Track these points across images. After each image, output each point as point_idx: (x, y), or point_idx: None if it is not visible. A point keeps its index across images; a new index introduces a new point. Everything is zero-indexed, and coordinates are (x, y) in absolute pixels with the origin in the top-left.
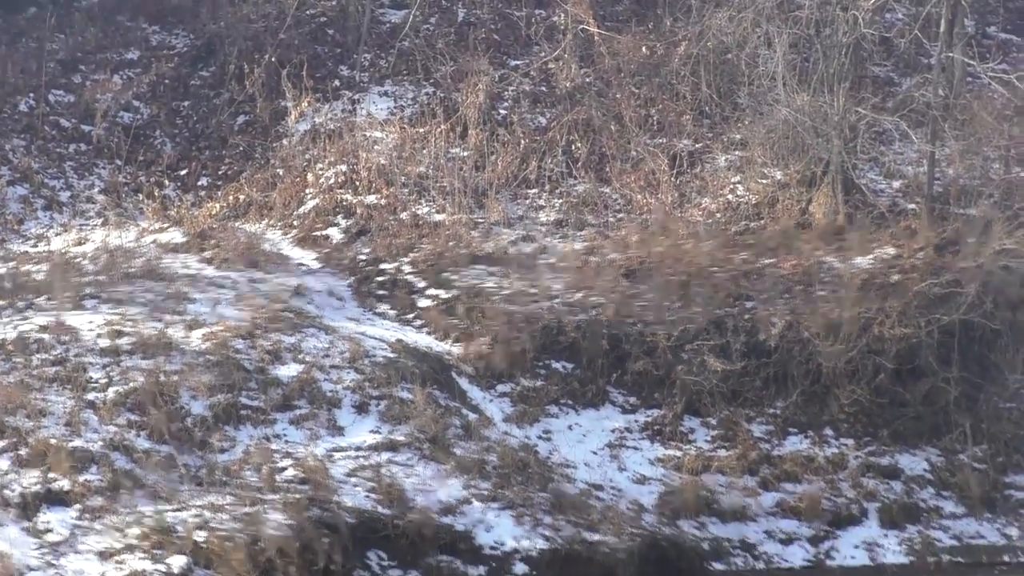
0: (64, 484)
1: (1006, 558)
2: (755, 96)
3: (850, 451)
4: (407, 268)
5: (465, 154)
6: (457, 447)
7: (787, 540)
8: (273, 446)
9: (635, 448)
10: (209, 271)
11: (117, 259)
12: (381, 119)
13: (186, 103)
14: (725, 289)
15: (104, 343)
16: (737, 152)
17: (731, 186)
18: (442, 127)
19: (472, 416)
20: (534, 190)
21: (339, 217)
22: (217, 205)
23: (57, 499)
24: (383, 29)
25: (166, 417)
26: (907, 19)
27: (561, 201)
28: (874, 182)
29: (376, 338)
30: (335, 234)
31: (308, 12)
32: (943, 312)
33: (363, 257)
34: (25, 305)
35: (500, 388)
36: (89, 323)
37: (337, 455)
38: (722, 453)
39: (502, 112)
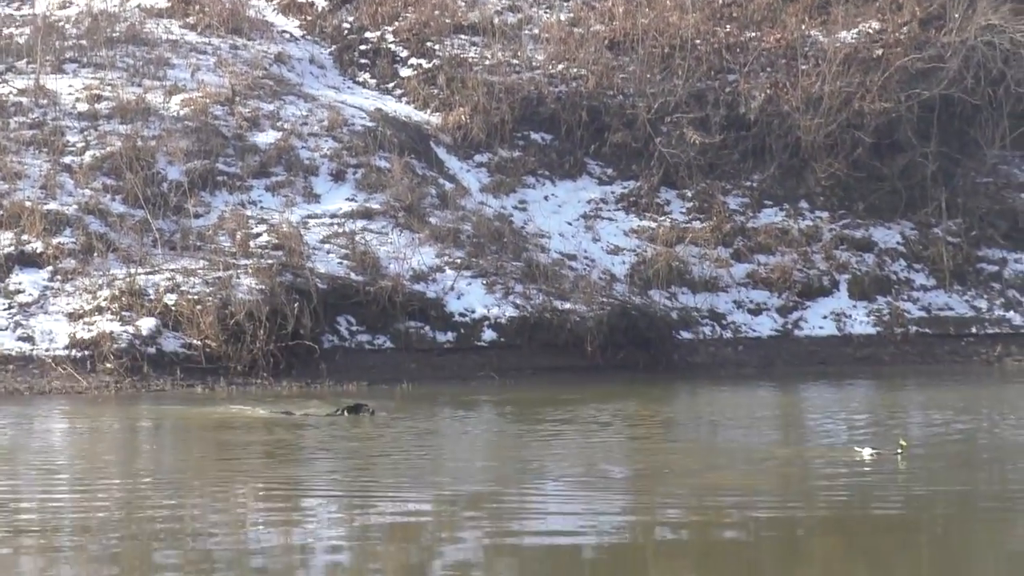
0: (37, 246)
1: (973, 329)
2: None
3: (824, 224)
4: (390, 37)
5: None
6: (432, 216)
7: (756, 310)
8: (248, 212)
9: (610, 219)
10: (191, 37)
11: (100, 23)
12: None
13: None
14: (708, 62)
15: (82, 107)
16: None
17: None
18: None
19: (448, 185)
20: None
21: None
22: None
23: (30, 261)
24: None
25: (142, 182)
26: None
27: None
28: None
29: (356, 107)
30: (320, 1)
31: None
32: (924, 87)
33: (347, 25)
34: (5, 68)
35: (478, 158)
36: (69, 87)
37: (312, 222)
38: (697, 225)
39: None
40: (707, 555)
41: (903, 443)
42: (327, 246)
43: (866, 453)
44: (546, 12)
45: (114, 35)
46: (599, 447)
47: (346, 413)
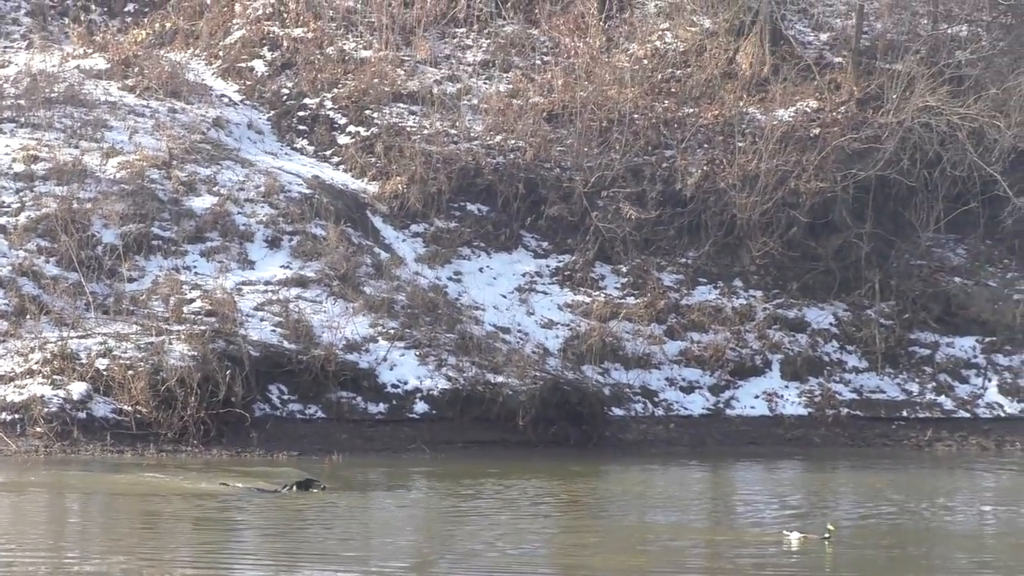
0: None
1: (904, 413)
2: None
3: (758, 303)
4: (329, 104)
5: None
6: (367, 285)
7: (688, 388)
8: (182, 277)
9: (544, 292)
10: (130, 99)
11: (39, 83)
12: None
13: None
14: (645, 137)
15: (19, 168)
16: None
17: (659, 32)
18: None
19: (384, 255)
20: (462, 29)
21: (265, 49)
22: (143, 32)
23: None
24: None
25: (76, 244)
26: None
27: (488, 41)
28: (802, 33)
29: (293, 173)
30: (260, 67)
31: None
32: (860, 167)
33: (286, 91)
34: None
35: (414, 228)
36: (5, 147)
37: (246, 289)
38: (631, 300)
39: None
40: None
41: (831, 527)
42: (261, 313)
43: (794, 538)
44: (485, 83)
45: (52, 95)
46: (524, 529)
47: (295, 488)
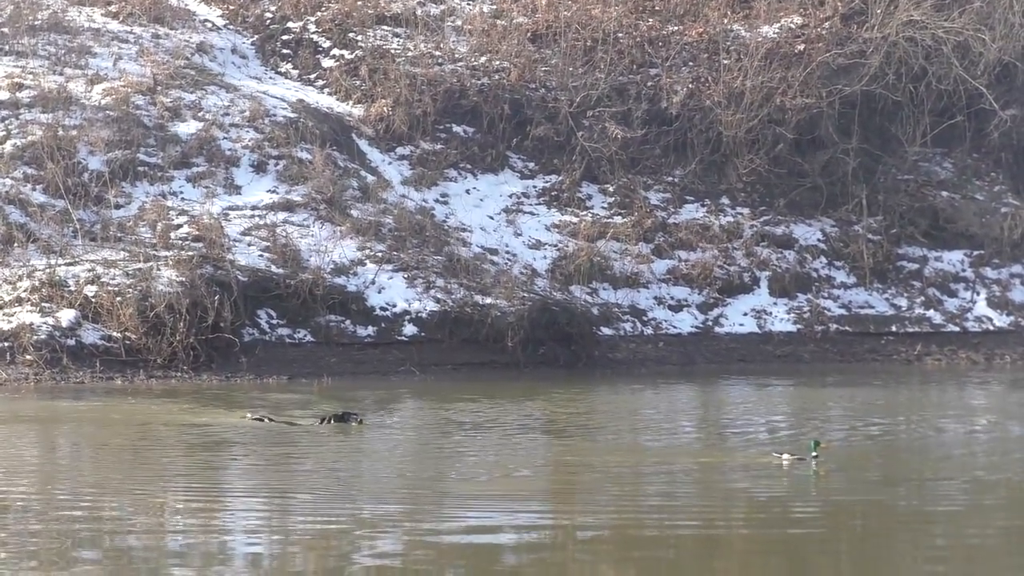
0: None
1: (893, 328)
2: None
3: (746, 220)
4: (313, 27)
5: None
6: (354, 209)
7: (677, 307)
8: (169, 203)
9: (532, 213)
10: (113, 25)
11: (23, 11)
12: None
13: None
14: (630, 56)
15: (3, 96)
16: None
17: None
18: None
19: (370, 178)
20: None
21: None
22: None
23: None
24: None
25: (63, 172)
26: None
27: None
28: None
29: (278, 97)
30: None
31: None
32: (845, 83)
33: (269, 15)
34: None
35: (400, 151)
36: None
37: (233, 214)
38: (618, 220)
39: None
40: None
41: (818, 445)
42: (248, 238)
43: (784, 459)
44: (469, 4)
45: (36, 23)
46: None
47: (332, 422)
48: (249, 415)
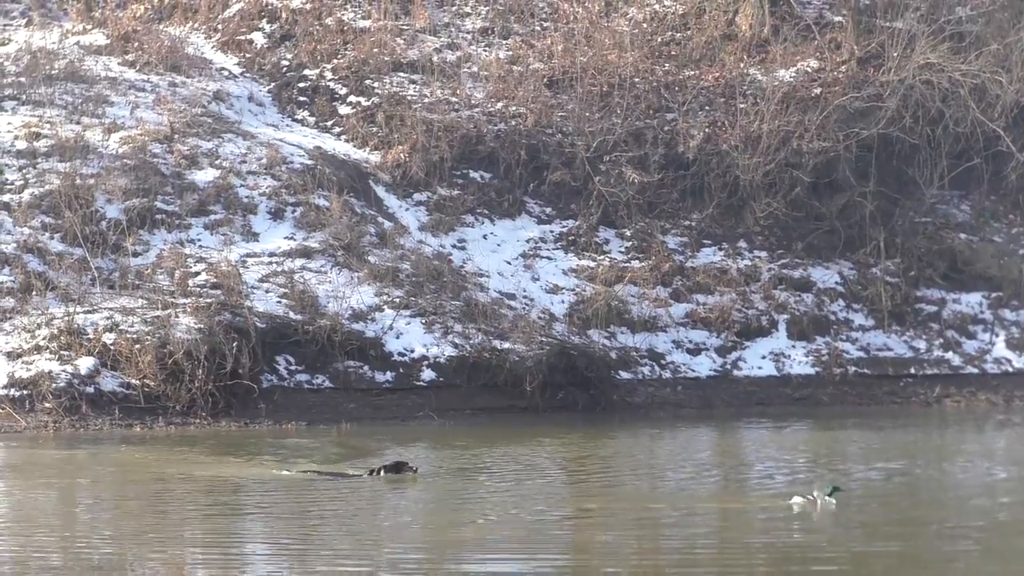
0: None
1: (912, 370)
2: None
3: (763, 263)
4: (329, 74)
5: None
6: (371, 255)
7: (695, 350)
8: (187, 251)
9: (549, 258)
10: (130, 74)
11: (39, 60)
12: None
13: None
14: (646, 100)
15: (21, 145)
16: None
17: None
18: None
19: (388, 224)
20: None
21: (264, 21)
22: (142, 7)
23: None
24: None
25: (80, 220)
26: None
27: (487, 8)
28: None
29: (294, 145)
30: (259, 39)
31: None
32: (862, 126)
33: (286, 63)
34: None
35: (417, 197)
36: (7, 124)
37: (251, 261)
38: (636, 264)
39: None
40: None
41: (832, 491)
42: (266, 285)
43: (795, 503)
44: (485, 50)
45: (53, 72)
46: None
47: (383, 472)
48: (293, 470)
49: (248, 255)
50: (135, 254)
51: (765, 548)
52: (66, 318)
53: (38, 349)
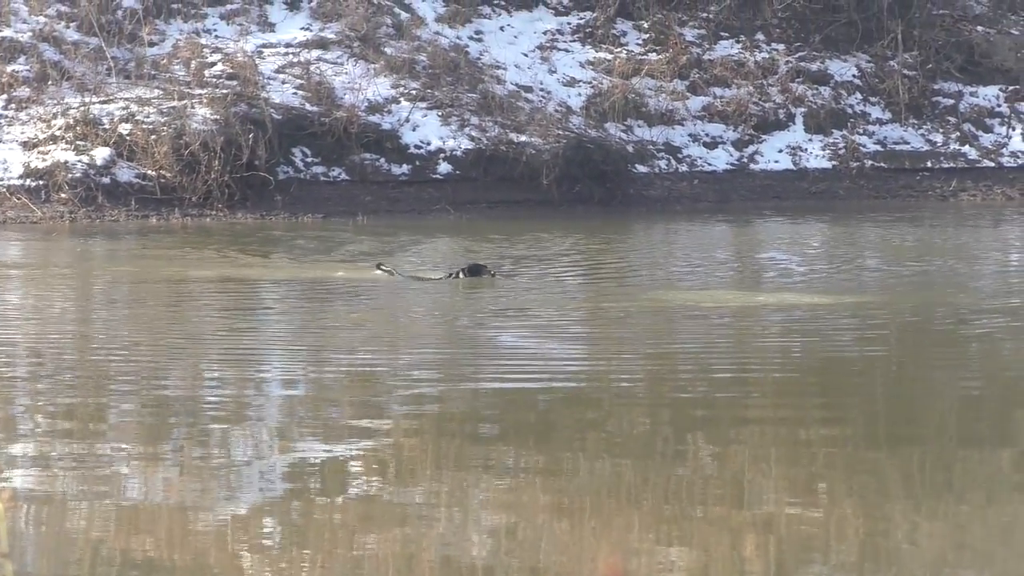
0: None
1: (928, 164)
2: None
3: (781, 56)
4: None
5: None
6: (388, 46)
7: (712, 144)
8: (203, 41)
9: (566, 50)
10: None
11: None
12: None
13: None
14: None
15: None
16: None
17: None
18: None
19: (404, 15)
20: None
21: None
22: None
23: None
24: None
25: (96, 9)
26: None
27: None
28: None
29: None
30: None
31: None
32: None
33: None
34: None
35: None
36: None
37: (267, 51)
38: (653, 57)
39: None
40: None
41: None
42: (282, 76)
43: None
44: None
45: None
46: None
47: (462, 275)
48: (379, 268)
49: (264, 45)
50: (151, 44)
51: (783, 348)
52: (82, 108)
53: (54, 139)
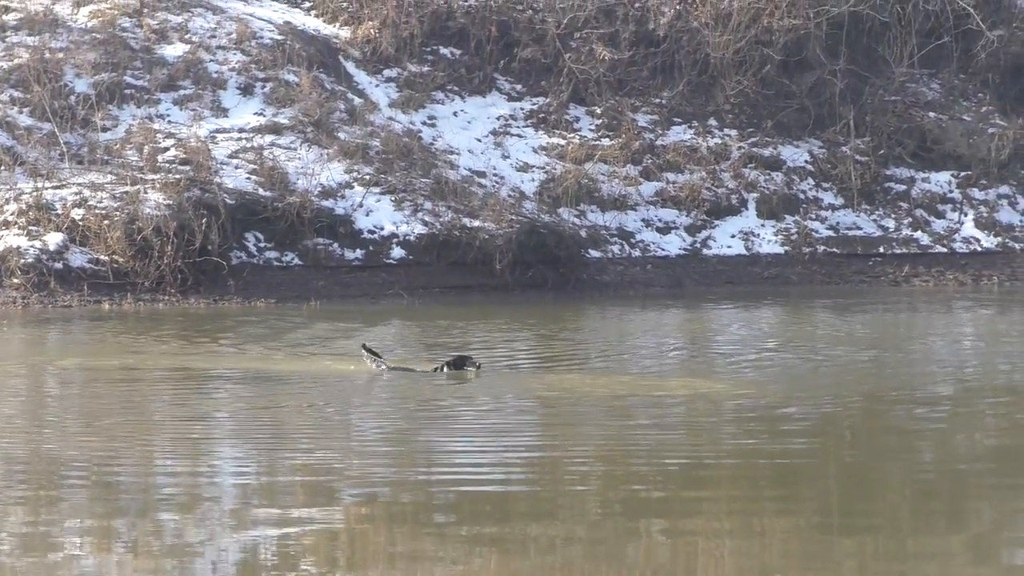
0: None
1: (881, 249)
2: None
3: (733, 142)
4: None
5: None
6: (341, 131)
7: (665, 229)
8: (156, 126)
9: (519, 136)
10: None
11: None
12: None
13: None
14: None
15: None
16: None
17: None
18: None
19: (357, 101)
20: None
21: None
22: None
23: None
24: None
25: (49, 94)
26: None
27: None
28: None
29: (264, 20)
30: None
31: None
32: (833, 3)
33: None
34: None
35: (387, 73)
36: None
37: (220, 136)
38: (606, 142)
39: None
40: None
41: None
42: (235, 161)
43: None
44: None
45: None
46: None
47: (447, 368)
48: (369, 361)
49: (217, 131)
50: (104, 129)
51: (737, 433)
52: (34, 193)
53: (6, 224)
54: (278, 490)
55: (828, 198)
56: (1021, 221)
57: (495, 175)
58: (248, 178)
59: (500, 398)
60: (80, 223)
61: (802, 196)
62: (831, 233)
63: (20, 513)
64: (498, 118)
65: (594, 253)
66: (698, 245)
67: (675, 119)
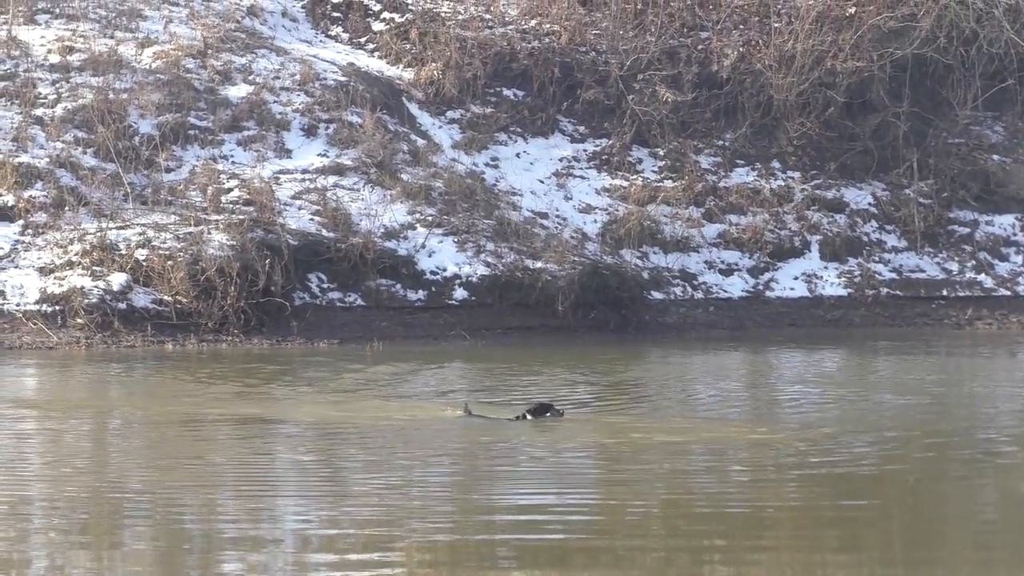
0: (8, 199)
1: (944, 292)
2: None
3: (796, 184)
4: None
5: None
6: (404, 172)
7: (727, 271)
8: (220, 167)
9: (582, 177)
10: None
11: None
12: None
13: None
14: (680, 18)
15: (54, 59)
16: None
17: None
18: None
19: (420, 142)
20: None
21: None
22: None
23: (1, 215)
24: None
25: (113, 135)
26: None
27: None
28: None
29: (328, 61)
30: None
31: None
32: (896, 46)
33: None
34: None
35: (450, 114)
36: (41, 38)
37: (283, 178)
38: (668, 184)
39: None
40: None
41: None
42: (298, 202)
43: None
44: None
45: None
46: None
47: (528, 416)
48: (457, 410)
49: (281, 172)
50: (168, 170)
51: (801, 479)
52: (98, 233)
53: (70, 264)
54: (337, 539)
55: (891, 240)
56: None
57: (557, 216)
58: (311, 219)
59: (562, 443)
60: (144, 263)
61: (865, 238)
62: (894, 276)
63: (82, 558)
64: (560, 159)
65: (656, 295)
66: (760, 287)
67: (738, 161)
